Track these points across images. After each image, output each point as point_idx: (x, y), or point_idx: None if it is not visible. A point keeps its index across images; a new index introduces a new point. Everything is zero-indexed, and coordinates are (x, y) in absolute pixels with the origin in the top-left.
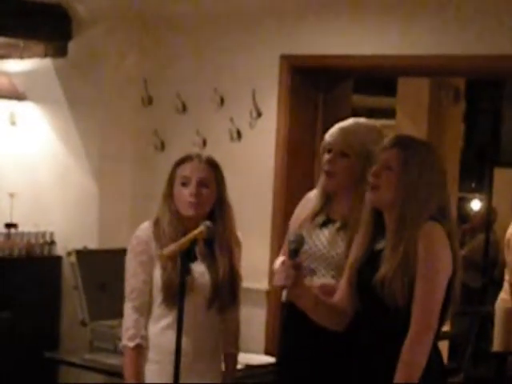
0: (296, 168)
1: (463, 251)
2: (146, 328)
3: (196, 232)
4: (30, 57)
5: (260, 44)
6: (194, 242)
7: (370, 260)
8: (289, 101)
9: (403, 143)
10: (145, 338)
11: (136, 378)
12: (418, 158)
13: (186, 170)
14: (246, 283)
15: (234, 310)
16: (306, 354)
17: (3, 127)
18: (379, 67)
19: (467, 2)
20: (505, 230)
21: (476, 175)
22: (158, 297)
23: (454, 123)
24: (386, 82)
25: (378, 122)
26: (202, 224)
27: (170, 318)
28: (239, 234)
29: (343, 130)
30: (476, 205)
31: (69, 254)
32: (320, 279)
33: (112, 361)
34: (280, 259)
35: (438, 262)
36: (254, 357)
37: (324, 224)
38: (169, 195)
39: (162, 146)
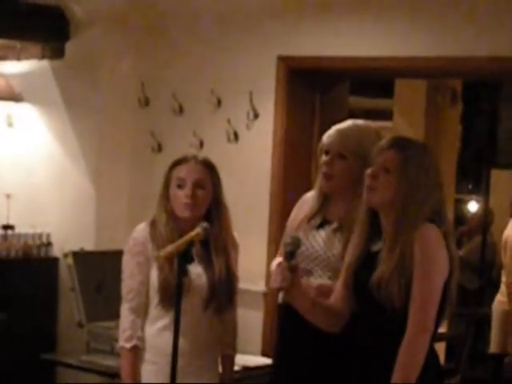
0: (293, 169)
1: (460, 253)
2: (142, 329)
3: (193, 233)
4: (26, 58)
5: (257, 45)
6: (191, 243)
7: (366, 261)
8: (286, 102)
9: (401, 145)
10: (141, 339)
11: (133, 379)
12: (415, 160)
13: (181, 172)
14: (243, 285)
15: (230, 311)
16: (302, 356)
17: (0, 129)
18: (376, 69)
19: (464, 3)
20: (502, 231)
21: (473, 177)
22: (154, 298)
23: (451, 125)
24: (383, 83)
25: (374, 124)
26: (198, 225)
27: (166, 319)
28: (236, 235)
29: (341, 132)
30: (473, 206)
31: (65, 255)
32: (317, 280)
33: (109, 362)
34: (276, 261)
35: (435, 263)
36: (251, 358)
37: (321, 225)
38: (165, 197)
39: (159, 148)
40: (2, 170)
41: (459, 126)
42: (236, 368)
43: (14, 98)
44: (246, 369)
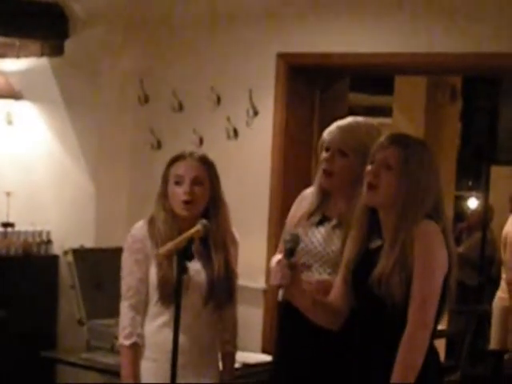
0: (293, 166)
1: (460, 249)
2: (142, 326)
3: (193, 231)
4: (26, 56)
5: (257, 42)
6: (190, 240)
7: (365, 258)
8: (285, 99)
9: (401, 141)
10: (141, 336)
11: (133, 376)
12: (416, 157)
13: (179, 169)
14: (243, 282)
15: (230, 308)
16: (302, 353)
17: (0, 126)
18: (376, 65)
19: (464, 1)
20: (502, 228)
21: (473, 173)
22: (154, 295)
23: (451, 121)
24: (382, 80)
25: (374, 121)
26: (198, 223)
27: (166, 316)
28: (235, 231)
29: (342, 129)
30: (473, 203)
31: (65, 252)
32: (316, 276)
33: (109, 360)
34: (276, 258)
35: (434, 260)
36: (251, 355)
37: (320, 222)
38: (163, 194)
39: (159, 145)
40: (2, 167)
41: (459, 123)
42: (236, 365)
43: (14, 95)
44: (246, 366)
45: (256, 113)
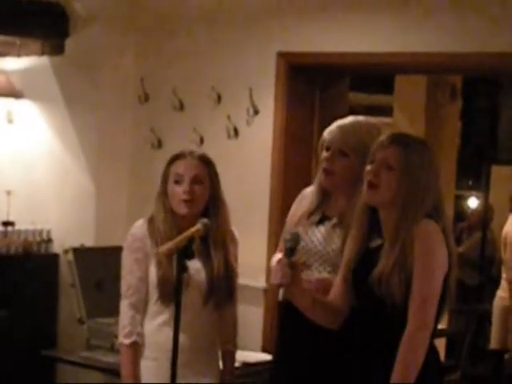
0: (293, 165)
1: (460, 249)
2: (142, 325)
3: (193, 230)
4: (27, 55)
5: (257, 41)
6: (191, 239)
7: (365, 258)
8: (286, 98)
9: (401, 141)
10: (141, 335)
11: (133, 375)
12: (417, 157)
13: (179, 168)
14: (243, 281)
15: (230, 307)
16: (302, 353)
17: (0, 125)
18: (376, 64)
19: (464, 0)
20: (502, 227)
21: (473, 173)
22: (153, 294)
23: (451, 121)
24: (383, 79)
25: (376, 120)
26: (199, 222)
27: (166, 315)
28: (234, 230)
29: (342, 128)
30: (473, 202)
31: (66, 251)
32: (315, 275)
33: (109, 359)
34: (276, 257)
35: (434, 259)
36: (251, 354)
37: (320, 221)
38: (163, 193)
39: (159, 144)
40: (2, 166)
41: (459, 122)
42: (236, 364)
43: (14, 94)
44: (246, 365)
45: (256, 112)
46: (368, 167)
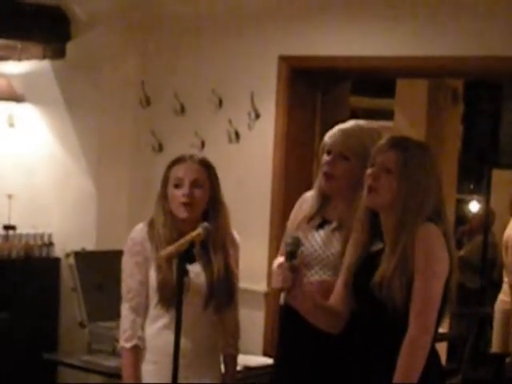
0: (294, 169)
1: (461, 252)
2: (143, 329)
3: (194, 234)
4: (28, 59)
5: (258, 45)
6: (192, 243)
7: (366, 262)
8: (287, 102)
9: (401, 145)
10: (142, 338)
11: (134, 379)
12: (416, 160)
13: (179, 172)
14: (245, 285)
15: (231, 310)
16: (303, 357)
17: (1, 129)
18: (377, 68)
19: (465, 3)
20: (503, 231)
21: (474, 177)
22: (154, 298)
23: (453, 125)
24: (384, 83)
25: (377, 124)
26: (200, 226)
27: (166, 319)
28: (235, 233)
29: (344, 132)
30: (474, 206)
31: (67, 255)
32: (315, 278)
33: (110, 362)
34: (278, 261)
35: (435, 263)
36: (253, 358)
37: (320, 225)
38: (163, 197)
39: (160, 148)
40: (4, 170)
41: (460, 126)
42: (237, 368)
43: (16, 98)
44: (247, 369)
45: (258, 115)
46: (368, 171)
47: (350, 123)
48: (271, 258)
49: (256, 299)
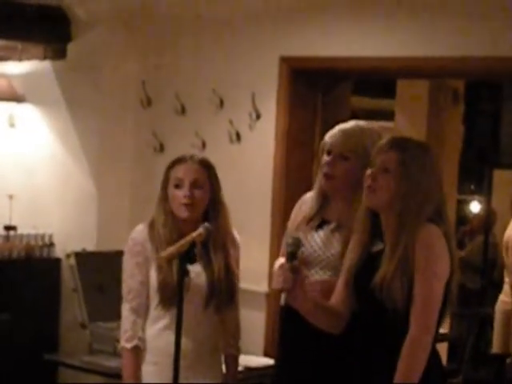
0: (295, 169)
1: (462, 253)
2: (143, 329)
3: (195, 234)
4: (28, 59)
5: (259, 46)
6: (193, 243)
7: (367, 262)
8: (288, 102)
9: (400, 145)
10: (142, 339)
11: (134, 379)
12: (415, 160)
13: (179, 172)
14: (245, 285)
15: (232, 310)
16: (304, 357)
17: (2, 129)
18: (378, 69)
19: (466, 4)
20: (504, 231)
21: (475, 177)
22: (154, 298)
23: (454, 125)
24: (385, 83)
25: (377, 125)
26: (201, 226)
27: (167, 319)
28: (235, 233)
29: (344, 132)
30: (475, 207)
31: (68, 256)
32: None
33: (111, 363)
34: (279, 262)
35: (436, 264)
36: (254, 359)
37: (319, 226)
38: (163, 197)
39: (161, 148)
40: (5, 170)
41: (461, 127)
42: (238, 368)
43: (16, 98)
44: (248, 369)
45: (258, 116)
46: (368, 171)
47: (351, 123)
48: (272, 258)
49: (257, 300)
